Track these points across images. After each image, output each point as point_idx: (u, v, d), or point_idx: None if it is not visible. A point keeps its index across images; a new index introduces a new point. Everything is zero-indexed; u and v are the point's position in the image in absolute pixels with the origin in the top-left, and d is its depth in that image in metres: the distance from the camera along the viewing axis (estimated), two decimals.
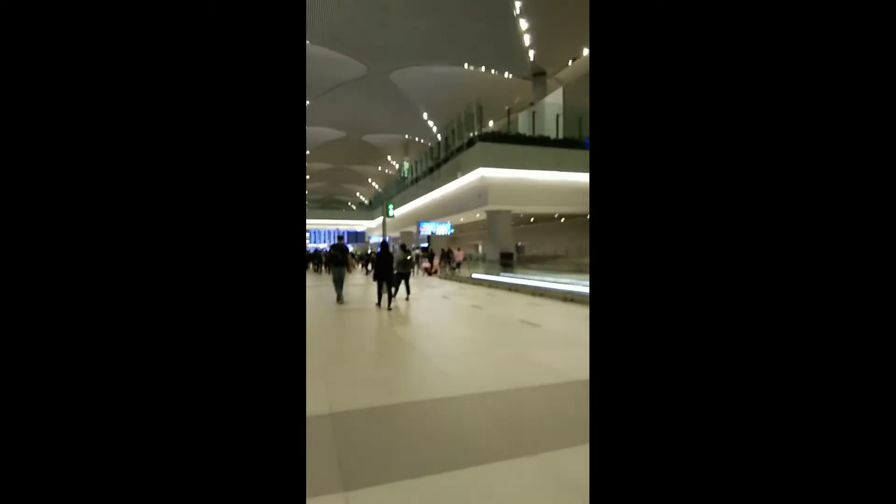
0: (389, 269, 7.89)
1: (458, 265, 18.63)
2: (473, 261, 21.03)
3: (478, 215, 19.58)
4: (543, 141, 17.79)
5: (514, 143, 17.42)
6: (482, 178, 16.41)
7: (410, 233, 26.94)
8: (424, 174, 23.13)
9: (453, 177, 18.50)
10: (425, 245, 21.05)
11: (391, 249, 8.37)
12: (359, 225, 35.81)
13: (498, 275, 14.42)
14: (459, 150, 19.03)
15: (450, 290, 11.72)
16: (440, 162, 21.16)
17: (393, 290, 8.27)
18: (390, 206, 9.99)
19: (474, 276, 14.67)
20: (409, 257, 8.84)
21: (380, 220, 31.79)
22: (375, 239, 30.18)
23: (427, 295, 10.48)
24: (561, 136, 19.37)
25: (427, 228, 18.22)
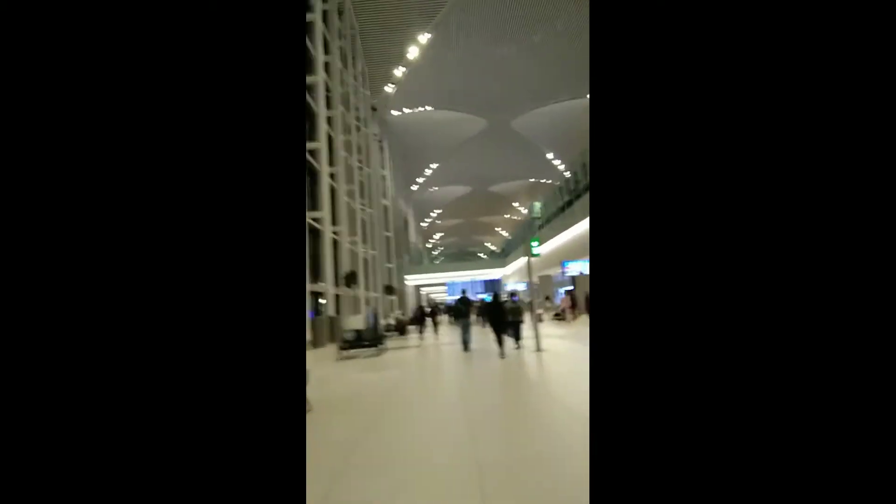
0: (501, 317, 8.06)
1: (564, 311, 15.71)
2: None
3: None
4: None
5: None
6: None
7: (549, 276, 25.28)
8: (561, 209, 21.32)
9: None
10: (570, 288, 19.16)
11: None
12: (491, 273, 35.32)
13: None
14: None
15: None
16: (581, 191, 19.09)
17: (512, 338, 8.38)
18: (534, 244, 8.79)
19: None
20: (517, 305, 8.81)
21: (514, 265, 30.85)
22: (512, 286, 29.17)
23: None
24: None
25: (574, 268, 16.21)
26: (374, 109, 20.48)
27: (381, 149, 22.95)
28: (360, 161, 17.86)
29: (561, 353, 7.89)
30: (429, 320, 13.89)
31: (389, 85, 19.16)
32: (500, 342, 7.87)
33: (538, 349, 7.87)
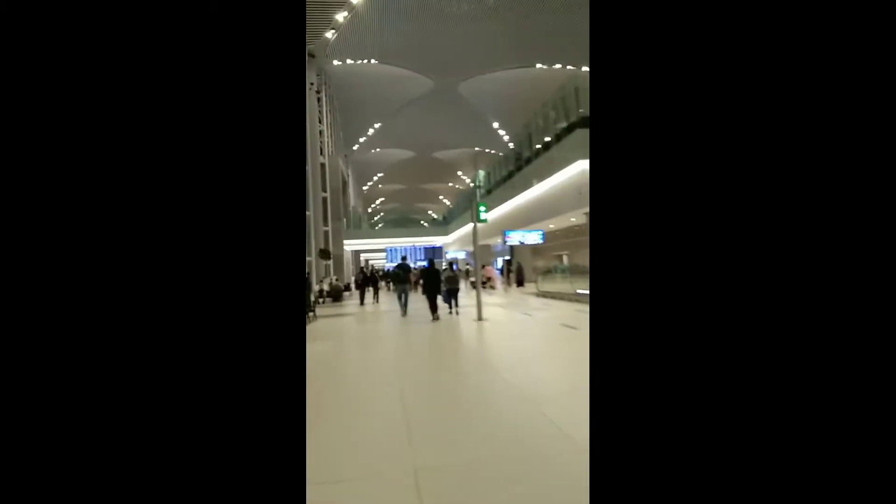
0: (435, 284, 8.56)
1: (487, 282, 16.75)
2: (559, 273, 18.70)
3: (572, 219, 17.01)
4: None
5: None
6: (583, 173, 13.32)
7: (487, 246, 25.52)
8: (503, 180, 21.19)
9: (541, 177, 15.88)
10: (507, 258, 19.42)
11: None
12: (433, 241, 35.04)
13: None
14: (547, 147, 16.35)
15: (534, 307, 10.11)
16: (523, 164, 18.94)
17: (449, 303, 9.12)
18: (482, 209, 8.46)
19: (579, 291, 12.27)
20: (454, 274, 9.68)
21: (456, 234, 30.79)
22: (452, 254, 29.12)
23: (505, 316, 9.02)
24: None
25: (514, 237, 15.92)
26: (310, 56, 18.65)
27: (319, 101, 21.20)
28: None
29: (502, 322, 7.86)
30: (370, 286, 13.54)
31: (330, 31, 17.46)
32: (432, 308, 8.35)
33: (479, 318, 7.78)
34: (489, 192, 23.33)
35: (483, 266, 16.05)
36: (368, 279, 13.76)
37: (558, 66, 20.27)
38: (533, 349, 5.48)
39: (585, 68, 19.59)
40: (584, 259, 27.96)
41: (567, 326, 6.92)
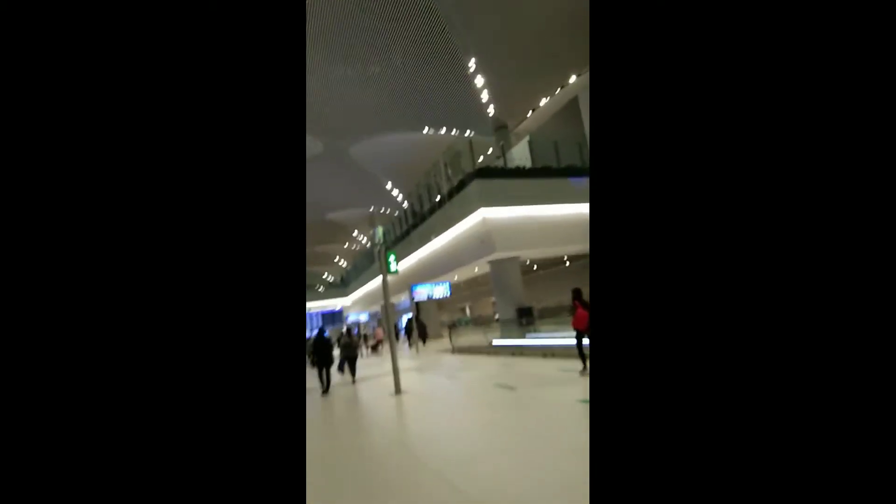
0: (326, 356, 8.18)
1: (377, 345, 17.29)
2: (462, 325, 18.77)
3: (476, 269, 17.30)
4: (545, 171, 14.69)
5: (513, 178, 14.53)
6: (484, 221, 13.50)
7: (392, 304, 24.87)
8: (402, 236, 21.17)
9: (441, 230, 16.04)
10: (411, 315, 18.95)
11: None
12: (332, 304, 32.98)
13: (522, 336, 11.42)
14: (448, 196, 16.41)
15: (456, 366, 9.67)
16: (419, 220, 19.15)
17: (343, 371, 9.03)
18: (392, 258, 7.94)
19: (496, 342, 11.64)
20: (351, 340, 9.43)
21: (356, 295, 29.52)
22: (354, 317, 27.59)
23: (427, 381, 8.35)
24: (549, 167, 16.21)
25: (422, 292, 15.59)
26: None
27: None
28: None
29: (426, 394, 6.50)
30: None
31: None
32: (322, 379, 7.91)
33: (397, 391, 6.54)
34: (388, 249, 23.29)
35: (376, 328, 15.50)
36: None
37: (444, 129, 21.83)
38: (481, 434, 3.91)
39: (468, 133, 21.40)
40: (486, 308, 28.73)
41: (503, 387, 5.87)
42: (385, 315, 8.42)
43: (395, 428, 4.66)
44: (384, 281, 7.83)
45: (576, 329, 5.81)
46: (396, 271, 7.95)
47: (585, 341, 5.79)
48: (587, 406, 4.05)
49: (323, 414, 5.92)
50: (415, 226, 19.35)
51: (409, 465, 3.25)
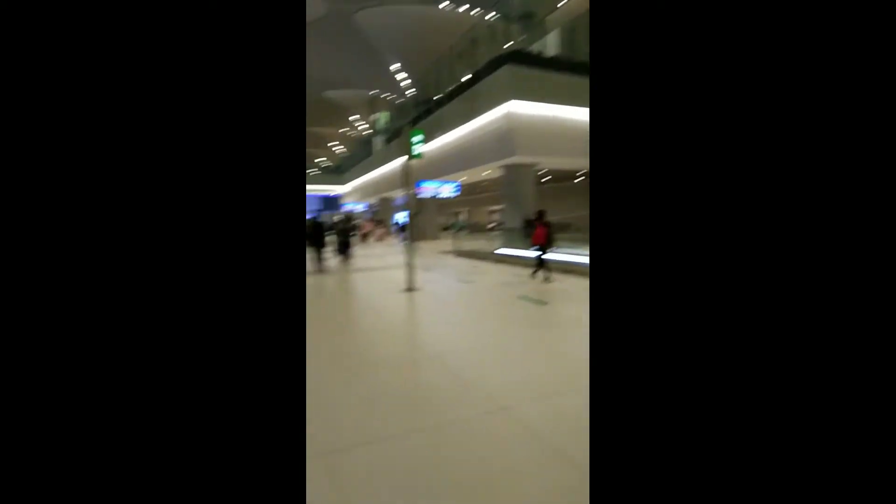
0: (321, 238, 9.36)
1: (366, 235, 19.14)
2: (456, 230, 18.41)
3: (484, 173, 16.07)
4: (583, 68, 12.27)
5: (549, 69, 12.09)
6: (508, 117, 11.55)
7: (389, 199, 24.04)
8: (409, 125, 19.53)
9: (456, 124, 13.82)
10: (408, 213, 18.46)
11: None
12: (330, 190, 31.63)
13: (528, 248, 11.19)
14: (470, 82, 13.83)
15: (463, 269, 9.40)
16: (434, 106, 17.16)
17: (343, 254, 10.21)
18: (416, 140, 6.39)
19: (500, 251, 10.69)
20: (347, 227, 10.78)
21: (354, 183, 28.59)
22: (350, 206, 26.93)
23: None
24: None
25: (428, 189, 14.20)
26: None
27: None
28: None
29: (440, 294, 6.16)
30: None
31: None
32: (316, 258, 9.07)
33: (409, 287, 6.21)
34: (388, 140, 21.66)
35: (366, 221, 15.55)
36: None
37: (465, 7, 19.04)
38: (519, 347, 3.61)
39: (489, 15, 18.69)
40: (481, 216, 28.18)
41: (529, 300, 5.32)
42: (410, 205, 7.15)
43: (416, 334, 4.27)
44: (405, 166, 6.68)
45: (535, 244, 7.15)
46: (420, 155, 6.53)
47: (543, 255, 7.20)
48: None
49: (335, 318, 5.05)
50: (421, 116, 17.75)
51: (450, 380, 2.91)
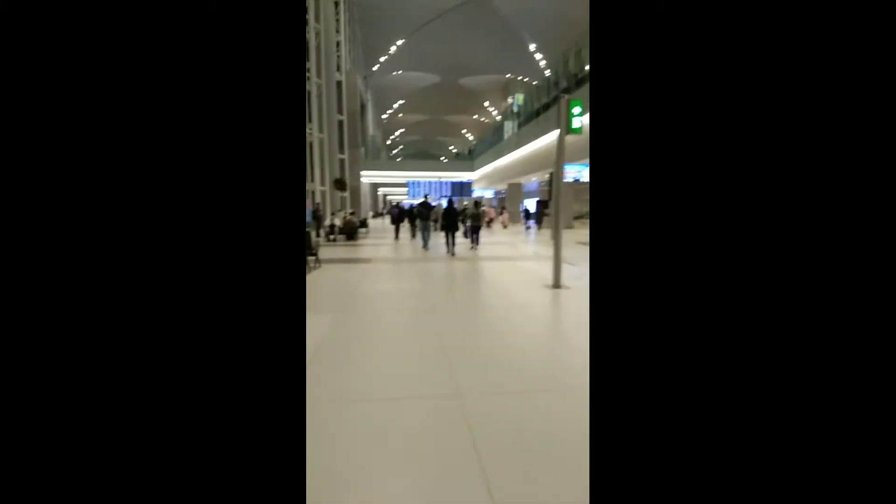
0: (453, 222, 9.37)
1: (490, 222, 18.38)
2: (586, 218, 16.68)
3: None
4: None
5: None
6: None
7: (518, 185, 23.22)
8: (545, 107, 18.32)
9: None
10: (541, 199, 17.46)
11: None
12: (460, 176, 31.76)
13: None
14: None
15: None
16: (573, 86, 15.77)
17: (471, 238, 10.22)
18: (576, 111, 5.21)
19: None
20: (478, 212, 10.55)
21: (483, 170, 28.51)
22: (479, 192, 26.84)
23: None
24: None
25: (569, 173, 12.78)
26: None
27: (337, 6, 18.48)
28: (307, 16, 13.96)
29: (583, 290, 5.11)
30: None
31: None
32: (448, 242, 9.24)
33: (556, 284, 5.25)
34: (522, 124, 20.76)
35: (498, 208, 14.83)
36: (404, 213, 13.35)
37: None
38: None
39: None
40: None
41: None
42: (556, 188, 5.79)
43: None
44: (560, 141, 5.53)
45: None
46: (579, 129, 5.40)
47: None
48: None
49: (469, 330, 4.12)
50: (567, 91, 16.38)
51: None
